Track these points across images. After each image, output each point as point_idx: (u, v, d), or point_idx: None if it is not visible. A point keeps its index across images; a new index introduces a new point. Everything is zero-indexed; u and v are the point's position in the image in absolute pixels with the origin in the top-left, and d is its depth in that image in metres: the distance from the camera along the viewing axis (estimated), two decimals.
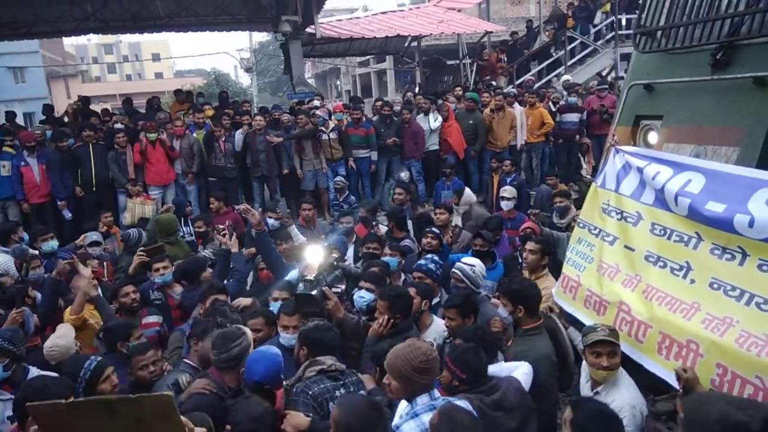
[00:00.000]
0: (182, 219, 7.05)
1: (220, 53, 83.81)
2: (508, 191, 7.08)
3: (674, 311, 3.01)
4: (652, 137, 3.82)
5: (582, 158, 10.43)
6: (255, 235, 5.05)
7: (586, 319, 3.57)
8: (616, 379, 3.04)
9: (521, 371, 3.18)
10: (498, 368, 3.26)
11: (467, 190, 7.25)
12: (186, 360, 3.66)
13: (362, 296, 4.15)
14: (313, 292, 4.01)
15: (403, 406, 2.75)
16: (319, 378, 3.08)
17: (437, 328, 4.00)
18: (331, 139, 9.03)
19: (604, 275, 3.60)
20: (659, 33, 3.85)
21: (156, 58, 54.74)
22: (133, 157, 8.47)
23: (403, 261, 5.26)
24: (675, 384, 2.75)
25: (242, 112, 10.02)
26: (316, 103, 10.69)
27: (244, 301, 4.59)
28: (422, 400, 2.68)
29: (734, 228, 2.86)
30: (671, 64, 3.77)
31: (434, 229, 5.79)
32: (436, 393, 2.73)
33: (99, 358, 3.29)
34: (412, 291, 4.00)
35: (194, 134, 9.09)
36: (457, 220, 7.10)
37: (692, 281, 3.05)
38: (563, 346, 3.54)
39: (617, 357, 3.03)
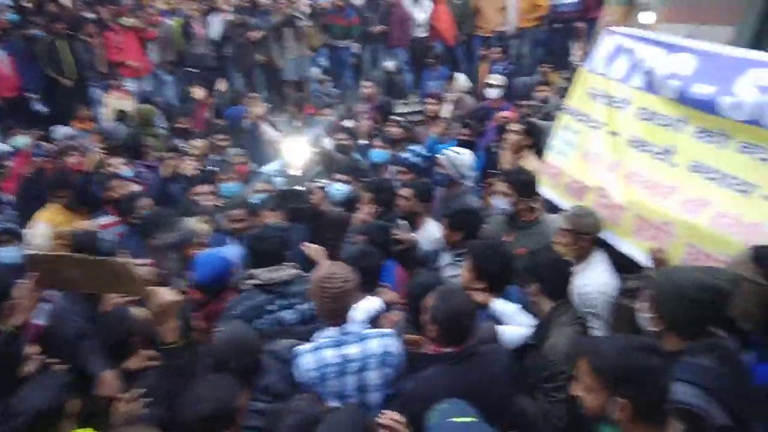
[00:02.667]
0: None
1: None
2: (494, 79, 6.88)
3: (653, 195, 3.07)
4: (646, 17, 3.66)
5: (575, 44, 10.05)
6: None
7: (567, 204, 3.62)
8: (589, 263, 3.14)
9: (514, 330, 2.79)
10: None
11: (460, 76, 6.96)
12: None
13: (338, 188, 4.19)
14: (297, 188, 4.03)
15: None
16: (251, 294, 2.98)
17: (428, 232, 3.85)
18: (309, 26, 8.60)
19: (587, 162, 3.61)
20: None
21: None
22: (104, 49, 8.05)
23: (393, 153, 5.24)
24: (648, 263, 2.87)
25: None
26: None
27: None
28: (329, 332, 2.50)
29: (720, 110, 2.83)
30: None
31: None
32: (352, 327, 2.50)
33: None
34: (407, 192, 3.92)
35: (169, 21, 8.60)
36: (448, 109, 6.94)
37: (673, 165, 3.07)
38: None
39: (583, 242, 3.12)
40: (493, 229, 3.61)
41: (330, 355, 2.42)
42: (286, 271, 3.03)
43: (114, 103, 7.72)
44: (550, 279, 2.78)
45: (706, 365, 1.93)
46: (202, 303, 3.18)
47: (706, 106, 2.91)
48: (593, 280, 3.02)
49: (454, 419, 1.63)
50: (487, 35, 9.36)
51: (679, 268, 2.37)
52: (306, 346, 2.48)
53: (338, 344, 2.44)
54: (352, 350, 2.43)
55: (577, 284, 2.95)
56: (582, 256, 3.18)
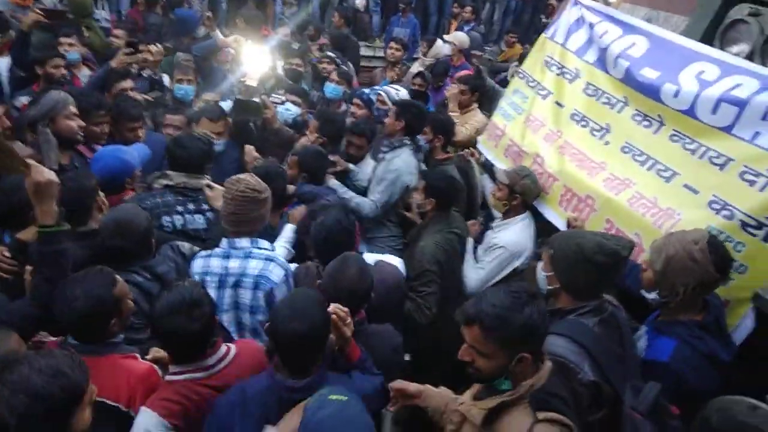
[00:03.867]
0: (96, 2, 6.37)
1: None
2: (452, 36, 6.81)
3: (582, 168, 3.15)
4: None
5: (544, 19, 10.08)
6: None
7: (503, 167, 3.68)
8: (510, 223, 3.26)
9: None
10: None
11: (439, 41, 6.87)
12: None
13: (288, 108, 4.07)
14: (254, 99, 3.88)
15: None
16: (163, 191, 2.94)
17: (365, 168, 3.86)
18: None
19: (529, 127, 3.66)
20: None
21: None
22: None
23: (347, 91, 5.11)
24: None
25: None
26: None
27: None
28: (223, 242, 2.51)
29: (660, 96, 2.91)
30: None
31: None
32: (241, 242, 2.48)
33: None
34: (359, 140, 3.83)
35: None
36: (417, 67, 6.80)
37: (607, 143, 3.16)
38: (472, 187, 3.69)
39: (514, 200, 3.25)
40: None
41: (215, 264, 2.45)
42: (202, 181, 2.97)
43: None
44: (440, 195, 3.21)
45: (587, 325, 2.04)
46: None
47: (649, 91, 2.98)
48: (504, 238, 3.18)
49: (331, 397, 1.62)
50: None
51: (580, 231, 2.47)
52: (203, 252, 2.50)
53: (226, 256, 2.45)
54: (233, 264, 2.44)
55: (490, 236, 3.08)
56: (508, 213, 3.28)
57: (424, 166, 3.88)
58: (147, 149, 3.32)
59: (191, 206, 2.95)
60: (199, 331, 1.90)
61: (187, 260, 2.56)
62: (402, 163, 3.60)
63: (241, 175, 2.55)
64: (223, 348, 2.07)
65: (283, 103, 4.32)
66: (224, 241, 2.50)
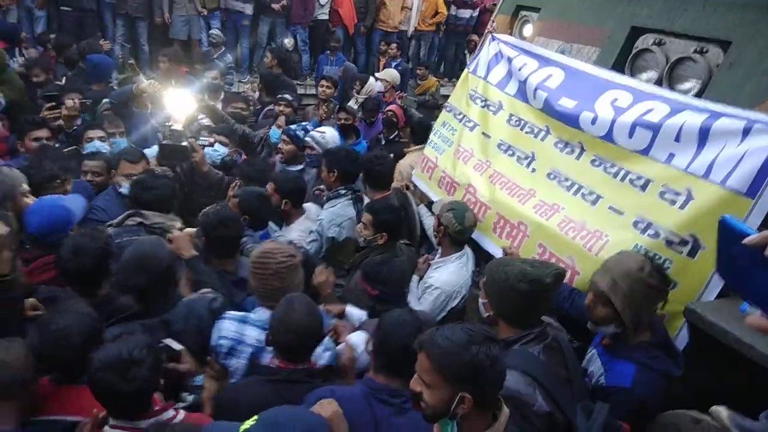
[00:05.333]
0: (15, 49, 6.05)
1: None
2: (383, 73, 6.96)
3: (512, 195, 3.21)
4: (528, 29, 3.85)
5: (468, 55, 10.50)
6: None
7: (437, 198, 3.72)
8: (446, 260, 3.25)
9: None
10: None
11: (371, 79, 6.96)
12: None
13: (216, 149, 3.98)
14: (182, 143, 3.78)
15: None
16: (137, 229, 2.91)
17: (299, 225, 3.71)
18: None
19: (459, 158, 3.72)
20: None
21: None
22: None
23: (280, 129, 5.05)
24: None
25: None
26: None
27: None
28: (262, 313, 2.37)
29: (579, 124, 3.03)
30: None
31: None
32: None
33: None
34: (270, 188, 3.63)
35: None
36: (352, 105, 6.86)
37: (533, 170, 3.24)
38: (411, 218, 3.69)
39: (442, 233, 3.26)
40: None
41: (252, 335, 2.28)
42: (177, 223, 2.93)
43: None
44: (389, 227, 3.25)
45: (534, 354, 2.03)
46: (30, 258, 2.82)
47: (568, 119, 3.10)
48: (439, 278, 3.15)
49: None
50: (389, 30, 9.45)
51: (510, 259, 2.48)
52: (235, 314, 2.33)
53: (265, 328, 2.24)
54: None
55: (428, 274, 3.08)
56: (442, 248, 3.28)
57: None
58: (82, 198, 3.13)
59: None
60: (131, 392, 1.77)
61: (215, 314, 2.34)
62: (328, 215, 3.56)
63: (267, 246, 2.42)
64: (170, 413, 1.93)
65: (211, 144, 4.22)
66: (261, 311, 2.33)
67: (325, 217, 3.55)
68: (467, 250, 3.29)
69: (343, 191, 3.66)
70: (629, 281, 2.14)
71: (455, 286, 3.15)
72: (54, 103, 4.16)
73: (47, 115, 4.06)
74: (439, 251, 3.35)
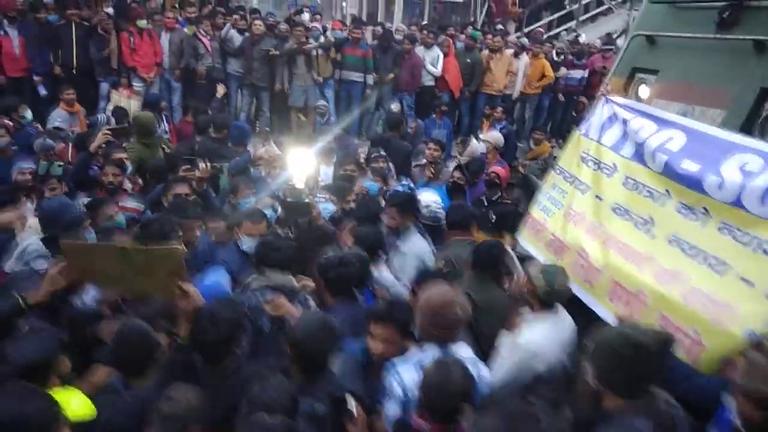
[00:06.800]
0: (159, 115, 6.87)
1: None
2: (488, 136, 7.04)
3: (629, 261, 3.07)
4: (644, 91, 3.77)
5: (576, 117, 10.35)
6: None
7: (546, 261, 3.62)
8: (537, 318, 3.04)
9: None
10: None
11: (474, 141, 7.12)
12: None
13: (326, 207, 4.25)
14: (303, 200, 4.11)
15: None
16: (262, 290, 3.05)
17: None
18: (320, 55, 8.79)
19: (570, 221, 3.64)
20: None
21: None
22: (118, 45, 8.14)
23: (384, 187, 5.28)
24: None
25: (234, 11, 9.65)
26: (305, 16, 10.39)
27: None
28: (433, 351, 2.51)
29: (704, 188, 2.88)
30: (678, 18, 3.68)
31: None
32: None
33: None
34: (391, 211, 4.20)
35: (185, 29, 8.75)
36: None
37: (653, 236, 3.09)
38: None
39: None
40: None
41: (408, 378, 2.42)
42: (294, 282, 3.16)
43: (121, 100, 7.75)
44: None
45: (637, 426, 1.90)
46: None
47: (691, 183, 2.95)
48: (525, 336, 2.96)
49: None
50: (493, 94, 9.61)
51: (617, 326, 2.36)
52: (413, 357, 2.50)
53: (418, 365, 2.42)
54: None
55: (522, 333, 2.96)
56: (535, 310, 3.14)
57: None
58: (226, 275, 3.44)
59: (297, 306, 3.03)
60: None
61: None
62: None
63: (446, 295, 2.61)
64: None
65: (326, 200, 4.52)
66: (435, 348, 2.50)
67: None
68: (562, 314, 3.10)
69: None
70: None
71: (541, 348, 2.92)
72: (190, 166, 4.66)
73: (184, 175, 4.55)
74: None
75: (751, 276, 2.55)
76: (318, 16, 11.00)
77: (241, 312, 2.56)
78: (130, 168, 5.02)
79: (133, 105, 7.68)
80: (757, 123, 2.98)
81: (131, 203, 4.59)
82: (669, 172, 3.11)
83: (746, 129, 2.99)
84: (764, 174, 2.65)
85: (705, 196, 2.88)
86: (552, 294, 3.04)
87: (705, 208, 2.88)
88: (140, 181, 5.21)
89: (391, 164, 6.18)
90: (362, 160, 6.24)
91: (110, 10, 8.70)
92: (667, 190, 3.13)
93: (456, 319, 2.56)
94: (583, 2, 13.92)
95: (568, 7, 14.10)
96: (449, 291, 2.65)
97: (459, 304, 2.57)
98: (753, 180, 2.66)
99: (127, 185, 4.94)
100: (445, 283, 2.80)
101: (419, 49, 9.32)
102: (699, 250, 2.83)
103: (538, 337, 2.96)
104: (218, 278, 3.32)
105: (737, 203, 2.72)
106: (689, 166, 2.99)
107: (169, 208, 3.86)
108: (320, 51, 8.81)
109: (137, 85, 8.30)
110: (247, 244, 3.70)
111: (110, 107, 7.66)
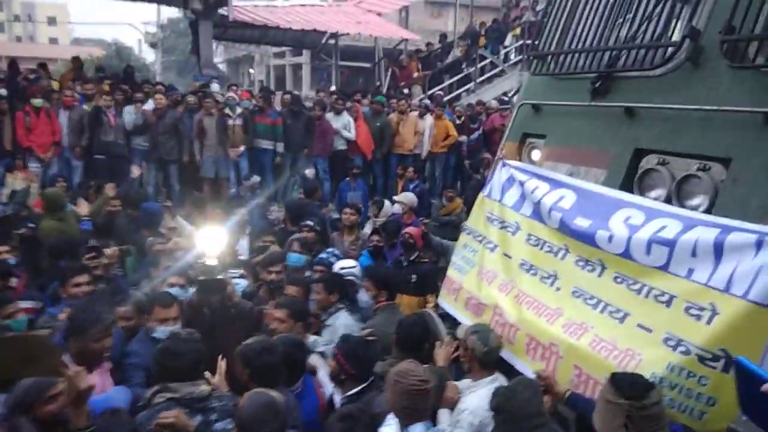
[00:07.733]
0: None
1: (125, 24, 78.22)
2: (401, 196, 7.28)
3: (540, 315, 3.24)
4: (536, 154, 4.08)
5: (482, 172, 10.92)
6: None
7: (466, 320, 3.74)
8: (478, 384, 3.19)
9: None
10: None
11: (387, 203, 7.32)
12: None
13: (237, 282, 4.20)
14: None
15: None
16: (167, 405, 2.67)
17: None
18: (236, 125, 8.81)
19: (483, 279, 3.79)
20: (550, 58, 4.14)
21: (52, 21, 50.55)
22: (12, 127, 7.75)
23: (309, 258, 5.25)
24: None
25: (137, 86, 9.53)
26: (215, 86, 10.45)
27: None
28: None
29: (596, 242, 3.12)
30: (557, 88, 4.06)
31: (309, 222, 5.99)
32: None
33: None
34: (318, 287, 4.23)
35: (84, 106, 8.50)
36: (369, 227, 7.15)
37: (558, 289, 3.29)
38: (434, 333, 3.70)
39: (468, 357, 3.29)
40: None
41: None
42: (203, 387, 2.80)
43: (16, 183, 7.30)
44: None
45: None
46: None
47: (585, 238, 3.19)
48: (471, 402, 3.05)
49: None
50: (405, 153, 9.99)
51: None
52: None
53: None
54: None
55: (462, 401, 3.03)
56: (474, 374, 3.24)
57: None
58: (127, 390, 3.13)
59: (203, 417, 2.69)
60: None
61: None
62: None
63: (404, 366, 2.68)
64: None
65: (241, 277, 4.43)
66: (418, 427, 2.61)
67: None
68: (498, 375, 3.24)
69: (341, 306, 4.19)
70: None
71: (488, 413, 2.96)
72: (95, 254, 4.42)
73: (87, 264, 4.30)
74: (468, 377, 3.30)
75: (647, 323, 2.75)
76: (234, 87, 11.04)
77: (134, 428, 2.43)
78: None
79: (32, 187, 7.26)
80: (635, 180, 3.30)
81: (26, 303, 4.22)
82: (564, 228, 3.36)
83: (626, 186, 3.30)
84: (646, 227, 2.92)
85: (598, 249, 3.12)
86: (490, 353, 3.16)
87: (600, 260, 3.12)
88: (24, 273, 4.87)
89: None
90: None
91: (2, 91, 8.30)
92: (565, 245, 3.36)
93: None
94: (479, 66, 14.97)
95: (465, 70, 15.06)
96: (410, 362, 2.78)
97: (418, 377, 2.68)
98: (637, 232, 2.92)
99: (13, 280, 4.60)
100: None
101: (329, 115, 9.57)
102: (599, 300, 3.04)
103: (485, 403, 2.90)
104: (117, 393, 3.02)
105: (626, 254, 2.96)
106: (581, 222, 3.25)
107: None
108: (238, 121, 8.83)
109: (33, 165, 7.88)
110: (160, 332, 3.51)
111: (5, 191, 7.21)
